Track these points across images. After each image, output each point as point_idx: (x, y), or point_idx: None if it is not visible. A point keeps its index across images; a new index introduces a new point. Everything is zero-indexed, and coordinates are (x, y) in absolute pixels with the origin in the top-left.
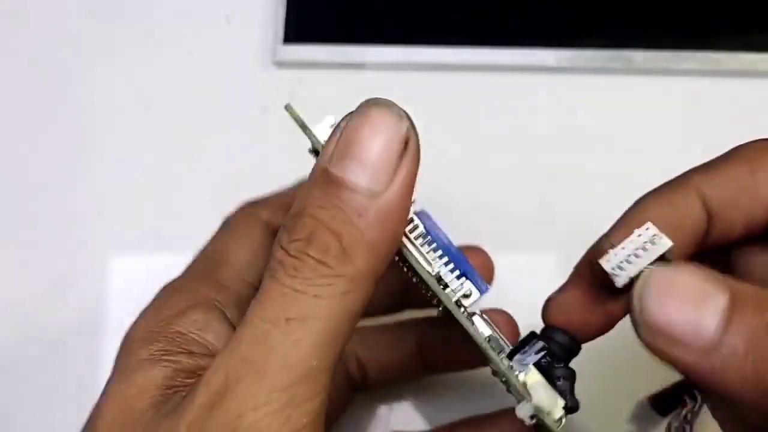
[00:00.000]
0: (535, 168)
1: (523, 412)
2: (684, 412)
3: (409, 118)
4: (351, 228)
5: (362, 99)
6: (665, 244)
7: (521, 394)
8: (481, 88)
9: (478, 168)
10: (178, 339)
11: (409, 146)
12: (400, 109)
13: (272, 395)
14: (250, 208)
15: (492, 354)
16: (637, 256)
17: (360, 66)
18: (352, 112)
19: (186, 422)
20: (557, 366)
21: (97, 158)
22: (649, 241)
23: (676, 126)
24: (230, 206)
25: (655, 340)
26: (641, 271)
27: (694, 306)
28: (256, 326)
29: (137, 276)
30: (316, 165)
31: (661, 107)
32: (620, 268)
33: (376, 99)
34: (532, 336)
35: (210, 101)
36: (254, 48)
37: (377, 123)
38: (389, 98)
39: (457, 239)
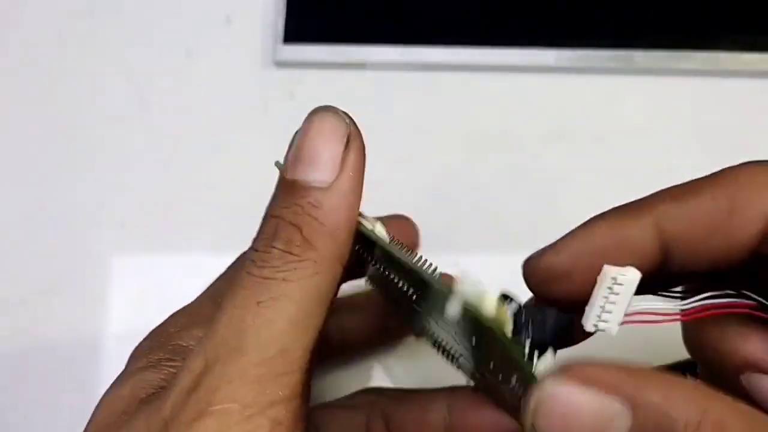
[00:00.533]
0: (535, 168)
1: (450, 309)
2: None
3: (350, 118)
4: (310, 219)
5: (363, 99)
6: (633, 279)
7: (446, 295)
8: (481, 88)
9: (477, 168)
10: (176, 349)
11: (351, 141)
12: (340, 111)
13: (247, 369)
14: None
15: (403, 257)
16: (613, 303)
17: (360, 66)
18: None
19: (169, 405)
20: (530, 309)
21: (97, 158)
22: (614, 283)
23: (676, 126)
24: (230, 206)
25: None
26: (620, 321)
27: None
28: (231, 313)
29: (137, 276)
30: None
31: (662, 107)
32: (604, 321)
33: (318, 107)
34: (505, 297)
35: (210, 101)
36: (254, 48)
37: (319, 126)
38: (388, 98)
39: (457, 239)
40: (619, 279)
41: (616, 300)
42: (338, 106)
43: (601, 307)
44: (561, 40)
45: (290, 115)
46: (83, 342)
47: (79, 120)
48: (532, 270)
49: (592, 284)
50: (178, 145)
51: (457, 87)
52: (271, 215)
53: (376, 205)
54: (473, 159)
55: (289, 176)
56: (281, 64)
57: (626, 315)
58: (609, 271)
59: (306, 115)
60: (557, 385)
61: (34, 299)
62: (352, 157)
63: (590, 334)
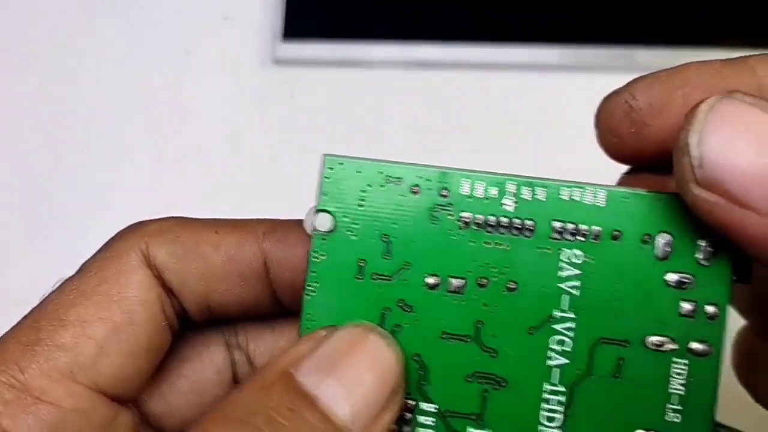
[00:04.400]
0: (536, 167)
1: None
2: None
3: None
4: None
5: (362, 97)
6: None
7: None
8: (482, 87)
9: (478, 167)
10: None
11: (399, 394)
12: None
13: None
14: (136, 237)
15: None
16: None
17: (360, 64)
18: (339, 328)
19: None
20: None
21: (97, 158)
22: None
23: None
24: (229, 206)
25: (708, 197)
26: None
27: None
28: None
29: None
30: (274, 363)
31: None
32: None
33: (375, 327)
34: None
35: (209, 100)
36: (253, 46)
37: (377, 355)
38: (388, 96)
39: None
40: None
41: None
42: (337, 105)
43: None
44: (563, 37)
45: (289, 113)
46: None
47: (79, 119)
48: (615, 103)
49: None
50: (177, 144)
51: (457, 85)
52: (256, 407)
53: None
54: (474, 158)
55: (305, 381)
56: (280, 62)
57: None
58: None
59: (350, 326)
60: (736, 99)
61: (34, 299)
62: (391, 414)
63: None
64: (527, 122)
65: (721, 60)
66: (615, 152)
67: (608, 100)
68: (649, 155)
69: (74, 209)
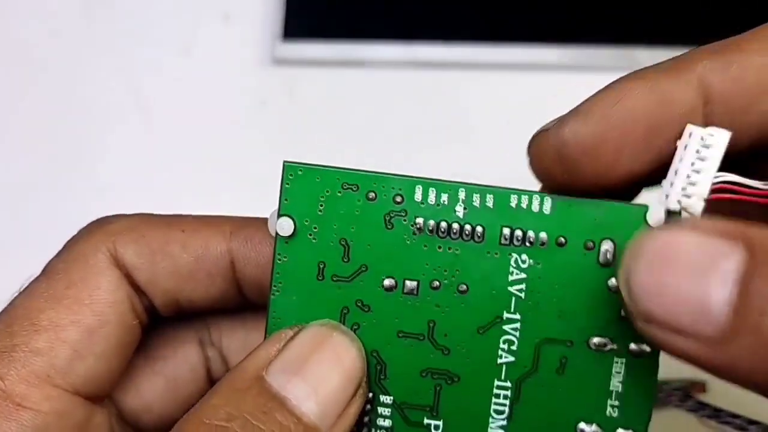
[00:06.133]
0: None
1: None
2: None
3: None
4: None
5: (362, 97)
6: (723, 138)
7: None
8: (482, 87)
9: (478, 167)
10: None
11: (362, 388)
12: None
13: None
14: (102, 236)
15: None
16: (698, 171)
17: (359, 64)
18: (304, 328)
19: None
20: None
21: (96, 158)
22: (701, 146)
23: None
24: (229, 205)
25: (650, 329)
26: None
27: (695, 275)
28: None
29: None
30: (244, 365)
31: None
32: (687, 196)
33: (338, 325)
34: None
35: (208, 99)
36: (253, 46)
37: (340, 352)
38: (388, 96)
39: None
40: (709, 140)
41: (704, 167)
42: (337, 106)
43: (687, 176)
44: (564, 37)
45: (289, 113)
46: None
47: (77, 119)
48: (545, 146)
49: (622, 159)
50: (176, 143)
51: (457, 85)
52: (232, 411)
53: None
54: (474, 158)
55: (274, 384)
56: (280, 62)
57: (712, 185)
58: (696, 131)
59: (315, 326)
60: (660, 230)
61: None
62: (356, 409)
63: None
64: (527, 122)
65: (660, 69)
66: (549, 187)
67: (538, 141)
68: (585, 187)
69: (72, 209)
